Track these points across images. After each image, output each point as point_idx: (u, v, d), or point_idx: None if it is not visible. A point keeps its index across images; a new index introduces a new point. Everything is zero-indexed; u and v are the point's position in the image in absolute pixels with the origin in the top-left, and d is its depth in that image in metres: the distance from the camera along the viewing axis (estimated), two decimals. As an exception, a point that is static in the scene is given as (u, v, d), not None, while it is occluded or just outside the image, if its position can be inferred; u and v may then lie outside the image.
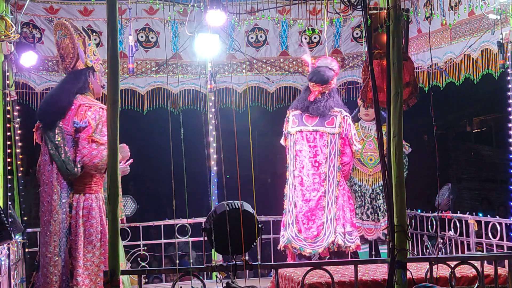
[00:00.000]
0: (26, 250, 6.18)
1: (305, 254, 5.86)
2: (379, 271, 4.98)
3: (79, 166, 4.84)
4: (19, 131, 6.26)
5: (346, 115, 6.13)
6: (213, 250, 4.49)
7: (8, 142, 5.83)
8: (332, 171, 6.04)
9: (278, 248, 6.17)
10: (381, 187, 6.86)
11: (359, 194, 6.93)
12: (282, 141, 6.30)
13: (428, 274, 3.88)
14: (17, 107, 6.35)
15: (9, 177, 5.77)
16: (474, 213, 6.58)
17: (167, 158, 4.23)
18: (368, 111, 6.77)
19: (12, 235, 4.35)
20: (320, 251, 5.91)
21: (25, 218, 6.22)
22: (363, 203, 7.00)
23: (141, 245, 6.92)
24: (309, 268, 3.96)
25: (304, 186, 6.00)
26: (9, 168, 5.78)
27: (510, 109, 5.76)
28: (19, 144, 6.23)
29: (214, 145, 7.50)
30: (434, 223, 6.94)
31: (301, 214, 5.96)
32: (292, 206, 6.00)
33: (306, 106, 6.09)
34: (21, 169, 6.24)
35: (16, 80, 6.32)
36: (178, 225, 6.76)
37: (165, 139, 4.76)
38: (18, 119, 6.23)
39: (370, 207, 6.98)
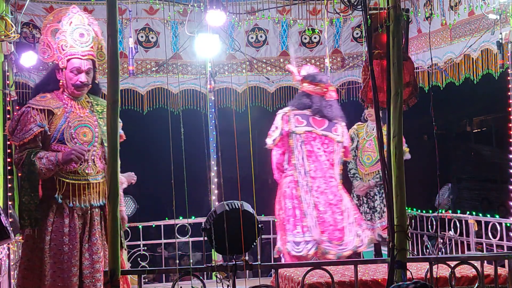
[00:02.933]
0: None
1: (329, 257, 5.72)
2: (379, 271, 4.98)
3: None
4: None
5: (345, 125, 6.20)
6: (213, 250, 4.50)
7: (8, 142, 5.83)
8: (335, 178, 6.07)
9: (305, 254, 5.80)
10: (378, 188, 6.88)
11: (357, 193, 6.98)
12: (271, 140, 6.07)
13: (428, 274, 3.88)
14: (17, 107, 6.35)
15: (9, 177, 5.77)
16: (474, 213, 6.58)
17: (167, 158, 4.23)
18: (370, 111, 6.78)
19: (12, 235, 4.34)
20: (346, 254, 5.86)
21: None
22: (361, 202, 7.03)
23: (141, 245, 6.93)
24: (309, 268, 3.96)
25: (321, 188, 5.92)
26: (9, 168, 5.78)
27: (510, 109, 5.76)
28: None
29: (214, 145, 7.50)
30: (434, 223, 6.94)
31: (325, 216, 5.89)
32: (311, 208, 5.84)
33: (319, 109, 6.03)
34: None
35: (16, 80, 6.32)
36: (178, 225, 6.76)
37: (165, 139, 4.76)
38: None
39: (366, 207, 6.99)
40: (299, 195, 5.90)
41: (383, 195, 6.75)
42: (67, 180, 4.43)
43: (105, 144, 4.49)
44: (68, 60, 4.50)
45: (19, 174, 5.51)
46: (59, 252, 4.35)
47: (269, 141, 6.10)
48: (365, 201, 6.98)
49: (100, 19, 7.03)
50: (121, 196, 4.72)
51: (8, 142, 5.83)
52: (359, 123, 7.12)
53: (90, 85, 4.63)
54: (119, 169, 3.57)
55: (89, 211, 4.46)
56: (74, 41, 4.50)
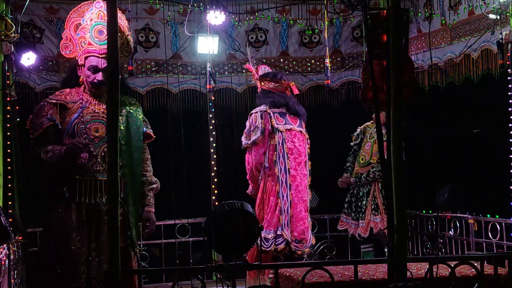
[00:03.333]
0: (26, 250, 6.18)
1: (296, 256, 5.80)
2: (379, 271, 4.98)
3: None
4: (19, 131, 6.26)
5: None
6: (213, 250, 4.50)
7: (8, 142, 5.83)
8: (308, 174, 6.16)
9: (268, 249, 5.93)
10: (366, 189, 6.88)
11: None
12: (252, 140, 5.99)
13: (428, 274, 3.88)
14: (17, 107, 6.35)
15: (9, 177, 5.77)
16: (474, 213, 6.59)
17: (167, 158, 4.23)
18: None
19: (12, 235, 4.34)
20: (306, 251, 5.95)
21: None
22: (349, 199, 7.06)
23: (141, 245, 6.92)
24: (309, 268, 3.95)
25: (300, 187, 6.00)
26: (9, 168, 5.78)
27: (510, 109, 5.76)
28: (19, 144, 6.23)
29: (214, 145, 7.50)
30: (434, 223, 6.94)
31: (296, 214, 5.96)
32: (288, 206, 5.93)
33: (292, 107, 6.05)
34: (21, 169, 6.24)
35: (16, 80, 6.32)
36: (178, 225, 6.76)
37: (165, 139, 4.77)
38: (18, 119, 6.23)
39: (354, 205, 7.00)
40: (278, 190, 5.95)
41: (375, 196, 6.78)
42: (75, 176, 4.35)
43: (122, 142, 4.42)
44: (86, 58, 4.45)
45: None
46: (64, 250, 4.27)
47: (248, 141, 6.04)
48: (353, 200, 7.03)
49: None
50: (151, 197, 4.69)
51: (8, 142, 5.83)
52: (369, 122, 7.11)
53: None
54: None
55: (97, 210, 4.35)
56: (92, 38, 4.42)
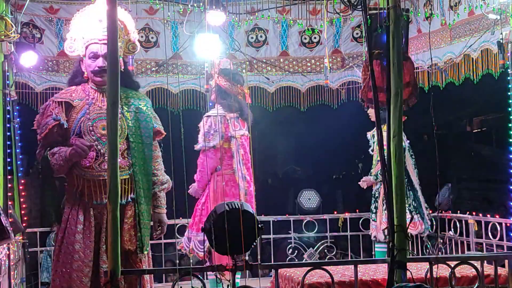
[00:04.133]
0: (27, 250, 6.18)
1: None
2: (379, 271, 4.98)
3: None
4: (19, 131, 6.26)
5: None
6: (213, 250, 4.49)
7: (8, 142, 5.83)
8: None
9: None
10: (378, 190, 6.91)
11: None
12: (212, 144, 5.89)
13: (428, 274, 3.88)
14: (17, 107, 6.35)
15: (9, 177, 5.77)
16: (474, 213, 6.59)
17: (167, 158, 4.23)
18: (370, 111, 6.81)
19: (12, 235, 4.31)
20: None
21: (25, 218, 6.22)
22: (372, 202, 7.12)
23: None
24: (309, 268, 3.96)
25: (251, 191, 5.94)
26: (9, 168, 5.78)
27: (510, 109, 5.76)
28: (19, 144, 6.23)
29: (214, 145, 7.49)
30: (434, 223, 6.95)
31: None
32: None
33: (244, 112, 5.98)
34: (21, 169, 6.24)
35: (16, 80, 6.32)
36: (178, 225, 6.76)
37: (165, 139, 4.76)
38: (18, 119, 6.23)
39: (373, 207, 7.05)
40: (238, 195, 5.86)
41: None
42: (83, 177, 4.28)
43: (131, 139, 4.36)
44: (86, 48, 4.38)
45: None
46: (69, 251, 4.20)
47: (208, 144, 5.94)
48: (372, 202, 7.10)
49: (100, 19, 7.09)
50: (162, 198, 4.61)
51: (8, 142, 5.83)
52: None
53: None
54: (118, 169, 3.55)
55: (105, 211, 4.10)
56: (92, 28, 4.35)
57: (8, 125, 5.89)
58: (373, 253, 7.51)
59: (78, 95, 4.38)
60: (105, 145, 4.16)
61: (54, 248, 4.40)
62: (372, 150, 7.27)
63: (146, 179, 4.43)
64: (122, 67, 4.38)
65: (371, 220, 7.12)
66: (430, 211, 6.98)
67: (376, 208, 6.95)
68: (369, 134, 7.34)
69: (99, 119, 4.32)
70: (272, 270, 5.79)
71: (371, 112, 6.77)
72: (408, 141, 7.04)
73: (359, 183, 7.20)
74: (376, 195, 7.01)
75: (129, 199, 4.38)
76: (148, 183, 4.45)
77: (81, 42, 4.39)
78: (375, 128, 7.22)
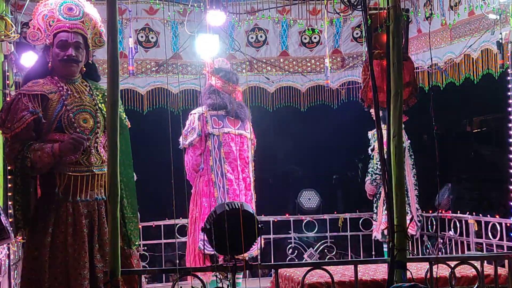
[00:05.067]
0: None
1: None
2: (379, 271, 4.98)
3: None
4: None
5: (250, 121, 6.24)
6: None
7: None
8: (251, 176, 6.10)
9: (213, 252, 5.84)
10: (379, 191, 6.93)
11: None
12: (188, 142, 5.95)
13: (428, 274, 3.88)
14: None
15: (9, 177, 5.77)
16: (474, 213, 6.59)
17: (167, 158, 4.22)
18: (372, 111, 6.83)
19: (12, 235, 4.29)
20: (255, 254, 5.89)
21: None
22: (373, 202, 7.14)
23: (141, 245, 6.92)
24: (309, 268, 3.96)
25: (238, 191, 5.90)
26: (9, 168, 5.77)
27: (510, 109, 5.76)
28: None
29: (215, 145, 7.49)
30: (434, 223, 6.95)
31: None
32: None
33: (240, 110, 6.00)
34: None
35: (16, 80, 6.31)
36: (178, 225, 6.76)
37: (165, 139, 4.76)
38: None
39: (375, 207, 7.07)
40: (216, 196, 5.87)
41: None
42: (68, 173, 3.97)
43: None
44: (54, 36, 4.07)
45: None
46: (62, 256, 3.91)
47: (185, 142, 5.99)
48: (374, 201, 7.11)
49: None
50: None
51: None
52: None
53: (83, 66, 4.15)
54: (118, 168, 3.55)
55: (96, 207, 4.02)
56: (61, 15, 4.08)
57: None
58: (373, 253, 7.52)
59: (50, 88, 4.06)
60: (91, 139, 4.00)
61: (27, 253, 4.03)
62: (372, 150, 7.29)
63: (126, 171, 4.20)
64: (91, 59, 4.23)
65: (373, 220, 7.14)
66: (422, 212, 7.05)
67: (376, 208, 6.95)
68: (370, 134, 7.36)
69: (79, 111, 4.05)
70: (272, 270, 5.81)
71: (374, 111, 6.78)
72: (409, 141, 7.04)
73: (366, 188, 7.21)
74: (378, 195, 7.01)
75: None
76: (127, 175, 4.22)
77: (47, 29, 4.10)
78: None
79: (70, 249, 3.92)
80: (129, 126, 4.42)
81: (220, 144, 5.92)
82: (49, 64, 4.11)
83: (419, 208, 7.04)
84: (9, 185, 5.76)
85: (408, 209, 6.75)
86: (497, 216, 6.32)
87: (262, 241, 6.23)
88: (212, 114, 5.99)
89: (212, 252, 5.74)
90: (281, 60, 7.62)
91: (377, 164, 7.04)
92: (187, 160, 6.03)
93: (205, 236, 5.71)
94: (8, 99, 5.89)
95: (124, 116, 4.37)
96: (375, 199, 7.12)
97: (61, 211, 3.98)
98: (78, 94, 4.11)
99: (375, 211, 7.08)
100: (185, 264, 6.17)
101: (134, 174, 4.49)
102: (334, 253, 7.56)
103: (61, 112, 4.01)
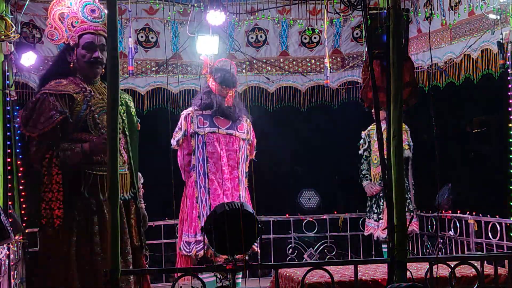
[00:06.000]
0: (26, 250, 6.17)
1: (218, 259, 5.44)
2: (379, 271, 4.98)
3: None
4: (19, 131, 6.25)
5: (250, 122, 6.19)
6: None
7: (8, 142, 5.83)
8: (242, 176, 6.03)
9: (189, 253, 5.79)
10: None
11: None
12: (175, 142, 5.92)
13: (428, 274, 3.88)
14: (17, 107, 6.34)
15: (9, 177, 5.77)
16: (474, 213, 6.59)
17: (167, 158, 4.23)
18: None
19: (12, 235, 4.29)
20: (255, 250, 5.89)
21: (25, 218, 6.22)
22: (372, 202, 7.12)
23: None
24: (309, 268, 3.96)
25: (220, 190, 5.84)
26: (9, 168, 5.77)
27: (510, 109, 5.76)
28: (19, 144, 6.23)
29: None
30: (434, 223, 6.95)
31: None
32: (207, 210, 5.73)
33: (221, 109, 5.94)
34: (21, 169, 6.24)
35: (16, 80, 6.32)
36: (178, 225, 6.75)
37: (165, 139, 4.77)
38: (18, 119, 6.22)
39: (375, 207, 7.05)
40: (197, 195, 5.84)
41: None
42: (94, 172, 4.06)
43: (127, 133, 4.30)
44: (79, 37, 4.18)
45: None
46: (88, 254, 3.97)
47: (173, 142, 5.97)
48: (374, 202, 7.09)
49: (100, 19, 7.08)
50: (141, 191, 4.52)
51: (8, 142, 5.83)
52: (372, 125, 7.18)
53: (103, 69, 4.20)
54: (118, 168, 3.55)
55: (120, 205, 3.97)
56: (85, 16, 4.19)
57: (8, 125, 5.89)
58: (373, 253, 7.52)
59: (74, 88, 4.15)
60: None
61: (51, 251, 4.08)
62: (365, 150, 7.25)
63: (135, 173, 4.37)
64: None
65: (373, 221, 7.10)
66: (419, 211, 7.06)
67: (383, 206, 6.92)
68: (363, 133, 7.32)
69: (103, 112, 4.13)
70: (272, 270, 5.80)
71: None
72: (412, 144, 7.06)
73: (367, 190, 7.20)
74: (380, 195, 6.99)
75: (131, 194, 4.31)
76: (136, 178, 4.39)
77: (70, 30, 4.18)
78: (369, 127, 7.24)
79: (98, 248, 3.99)
80: (139, 128, 4.52)
81: (204, 143, 5.88)
82: (71, 64, 4.20)
83: (415, 208, 7.04)
84: (9, 185, 5.76)
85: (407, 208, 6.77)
86: (497, 216, 6.32)
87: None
88: (198, 113, 5.96)
89: (189, 254, 5.74)
90: (281, 60, 7.62)
91: (377, 163, 7.03)
92: (178, 160, 6.03)
93: (189, 238, 5.76)
94: (8, 98, 5.90)
95: (137, 119, 4.48)
96: (375, 199, 7.10)
97: (86, 210, 4.04)
98: (100, 95, 4.23)
99: (375, 211, 7.06)
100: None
101: (140, 175, 4.53)
102: (334, 253, 7.56)
103: (86, 113, 4.12)
